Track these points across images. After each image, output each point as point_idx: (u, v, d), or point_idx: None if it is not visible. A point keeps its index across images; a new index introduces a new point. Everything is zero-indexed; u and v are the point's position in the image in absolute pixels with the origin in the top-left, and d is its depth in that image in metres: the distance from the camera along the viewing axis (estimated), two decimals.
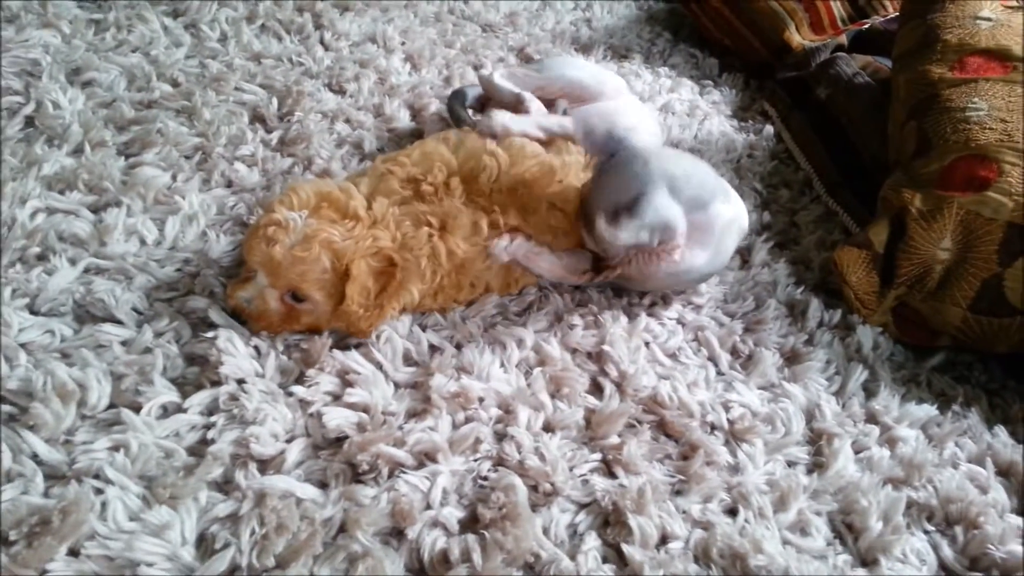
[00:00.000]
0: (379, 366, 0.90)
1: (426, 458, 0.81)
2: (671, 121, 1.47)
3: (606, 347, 0.96)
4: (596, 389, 0.93)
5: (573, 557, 0.74)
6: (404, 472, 0.79)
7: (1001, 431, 0.93)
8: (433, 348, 0.95)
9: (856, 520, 0.81)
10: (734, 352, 1.01)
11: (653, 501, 0.78)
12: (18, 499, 0.71)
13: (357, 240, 0.89)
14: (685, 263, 0.98)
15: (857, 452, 0.89)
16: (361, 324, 0.90)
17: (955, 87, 1.11)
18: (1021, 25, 1.15)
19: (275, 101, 1.35)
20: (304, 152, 1.25)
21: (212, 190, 1.15)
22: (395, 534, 0.75)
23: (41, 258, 0.98)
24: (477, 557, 0.71)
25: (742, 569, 0.74)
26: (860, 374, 0.98)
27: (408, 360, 0.93)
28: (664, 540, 0.77)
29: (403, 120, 1.38)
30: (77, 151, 1.17)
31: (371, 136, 1.31)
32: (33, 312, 0.92)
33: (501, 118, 1.06)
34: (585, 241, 1.02)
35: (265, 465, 0.79)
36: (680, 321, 1.05)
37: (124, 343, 0.89)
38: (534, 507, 0.78)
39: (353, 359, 0.89)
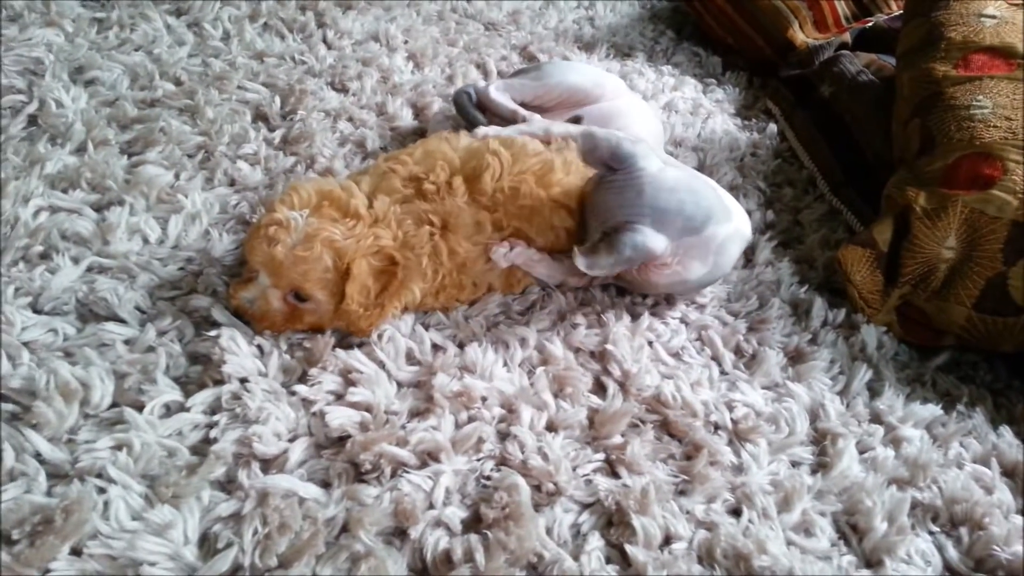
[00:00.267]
0: (382, 365, 0.90)
1: (429, 457, 0.81)
2: (674, 119, 1.47)
3: (609, 346, 0.96)
4: (599, 388, 0.93)
5: (576, 557, 0.73)
6: (407, 472, 0.79)
7: (1006, 431, 0.93)
8: (436, 347, 0.94)
9: (860, 520, 0.80)
10: (738, 351, 1.01)
11: (656, 501, 0.78)
12: (20, 498, 0.71)
13: (358, 239, 0.89)
14: (680, 275, 0.99)
15: (861, 452, 0.89)
16: (361, 323, 0.90)
17: (959, 85, 1.10)
18: None
19: (278, 100, 1.35)
20: (307, 151, 1.25)
21: (215, 189, 1.15)
22: (398, 534, 0.74)
23: (44, 257, 0.99)
24: (480, 557, 0.71)
25: (746, 570, 0.74)
26: (864, 374, 0.97)
27: (411, 359, 0.93)
28: (668, 540, 0.77)
29: (406, 119, 1.37)
30: (80, 150, 1.17)
31: (374, 135, 1.31)
32: (36, 311, 0.92)
33: (484, 132, 1.07)
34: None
35: (268, 464, 0.79)
36: (683, 320, 1.04)
37: (127, 342, 0.89)
38: (537, 507, 0.78)
39: (356, 358, 0.89)
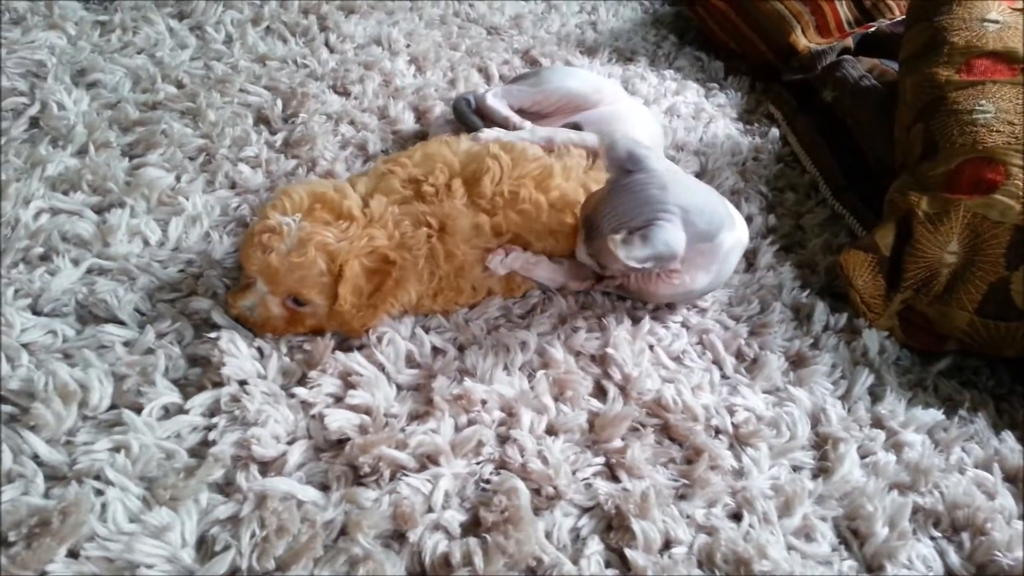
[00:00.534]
0: (381, 368, 0.90)
1: (428, 461, 0.81)
2: (676, 124, 1.47)
3: (610, 350, 0.95)
4: (600, 392, 0.92)
5: (576, 561, 0.73)
6: (406, 475, 0.78)
7: (1008, 436, 0.92)
8: (436, 350, 0.94)
9: (862, 526, 0.80)
10: (739, 356, 1.00)
11: (657, 505, 0.77)
12: (18, 500, 0.71)
13: (351, 240, 0.89)
14: (687, 286, 0.99)
15: (863, 457, 0.88)
16: (354, 323, 0.90)
17: (962, 89, 1.10)
18: None
19: (279, 103, 1.35)
20: (308, 154, 1.25)
21: (216, 191, 1.15)
22: (396, 537, 0.74)
23: (44, 258, 0.99)
24: (479, 561, 0.71)
25: (746, 574, 0.73)
26: (866, 378, 0.97)
27: (411, 362, 0.92)
28: (668, 545, 0.76)
29: (407, 122, 1.37)
30: (81, 152, 1.18)
31: (375, 138, 1.31)
32: (36, 312, 0.92)
33: (486, 136, 1.06)
34: (577, 252, 1.00)
35: (266, 467, 0.78)
36: (684, 324, 1.04)
37: (126, 344, 0.89)
38: (536, 511, 0.77)
39: (355, 361, 0.89)
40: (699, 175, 1.34)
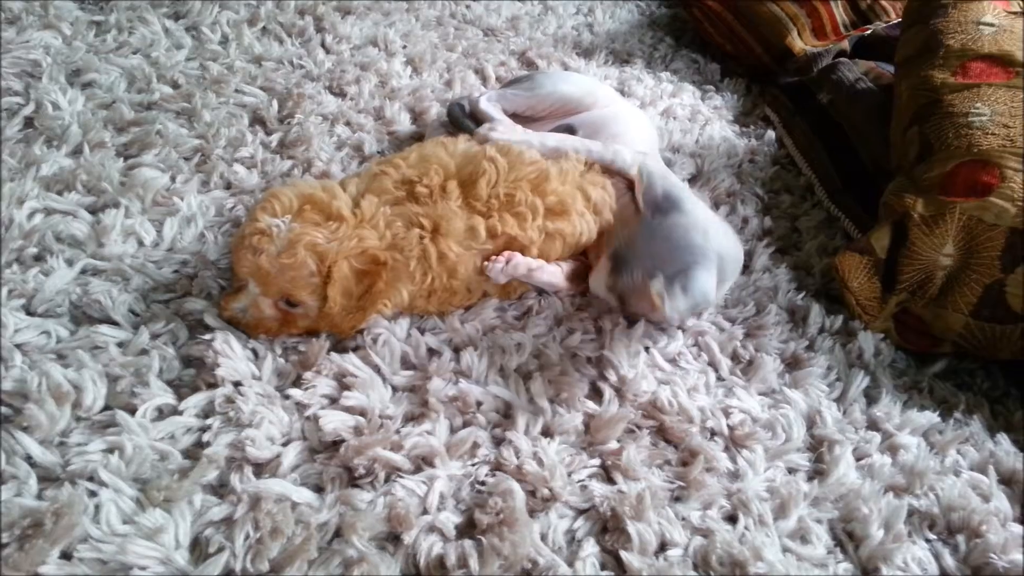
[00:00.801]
0: (377, 369, 0.90)
1: (423, 462, 0.80)
2: (672, 126, 1.47)
3: (606, 352, 0.95)
4: (595, 394, 0.92)
5: (571, 563, 0.73)
6: (401, 476, 0.78)
7: (1003, 439, 0.93)
8: (431, 352, 0.94)
9: (857, 528, 0.80)
10: (734, 357, 1.00)
11: (652, 507, 0.77)
12: (11, 501, 0.70)
13: (341, 241, 0.88)
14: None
15: (858, 459, 0.89)
16: (344, 325, 0.90)
17: (958, 92, 1.10)
18: (1023, 31, 1.14)
19: (275, 103, 1.35)
20: (304, 154, 1.24)
21: (211, 192, 1.15)
22: (391, 539, 0.74)
23: (38, 259, 0.98)
24: (474, 563, 0.71)
25: None
26: (861, 380, 0.97)
27: (406, 363, 0.92)
28: (663, 547, 0.76)
29: (403, 123, 1.37)
30: (76, 152, 1.17)
31: (371, 139, 1.31)
32: (29, 313, 0.91)
33: (484, 133, 1.05)
34: (594, 283, 0.99)
35: (261, 468, 0.78)
36: (680, 326, 1.04)
37: (120, 345, 0.88)
38: (532, 513, 0.77)
39: (351, 362, 0.89)
40: (695, 177, 1.34)
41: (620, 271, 0.89)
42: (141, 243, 1.04)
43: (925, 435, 0.93)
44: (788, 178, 1.39)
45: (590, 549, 0.75)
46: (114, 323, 0.91)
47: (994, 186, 0.99)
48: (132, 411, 0.80)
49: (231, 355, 0.87)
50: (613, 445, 0.85)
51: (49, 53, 1.36)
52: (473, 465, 0.82)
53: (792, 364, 1.01)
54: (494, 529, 0.73)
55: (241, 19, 1.60)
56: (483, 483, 0.80)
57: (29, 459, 0.75)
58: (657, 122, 1.47)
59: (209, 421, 0.81)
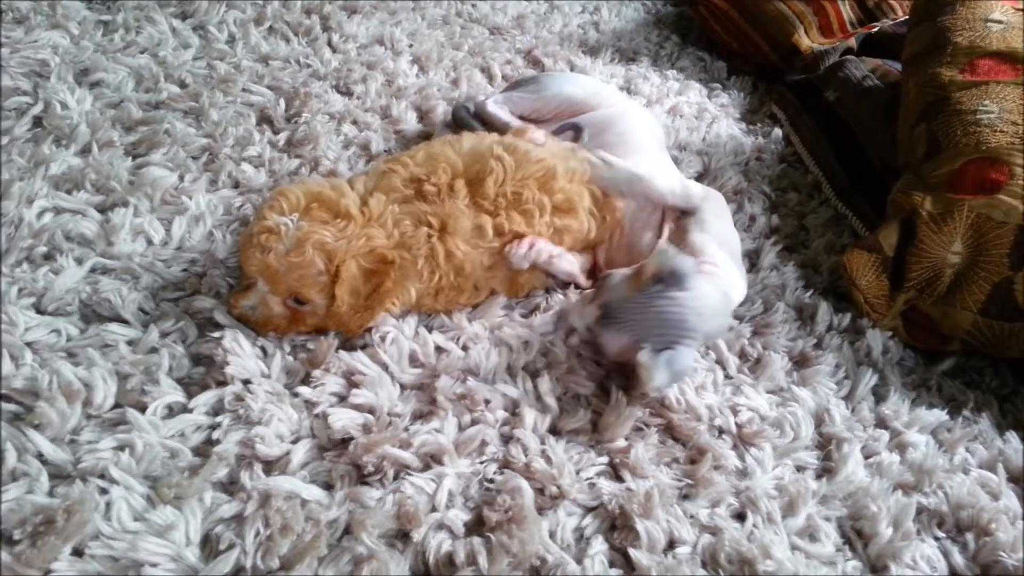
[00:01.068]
0: (385, 367, 0.90)
1: (432, 460, 0.81)
2: (679, 124, 1.47)
3: None
4: (603, 392, 0.92)
5: (579, 561, 0.73)
6: (410, 474, 0.78)
7: (1012, 437, 0.92)
8: (439, 349, 0.94)
9: (866, 526, 0.80)
10: (742, 355, 1.00)
11: (660, 505, 0.77)
12: (22, 498, 0.71)
13: (349, 239, 0.88)
14: None
15: (867, 457, 0.88)
16: (351, 324, 0.90)
17: (965, 90, 1.10)
18: None
19: (282, 102, 1.35)
20: (311, 153, 1.25)
21: (219, 191, 1.15)
22: (400, 536, 0.74)
23: (48, 257, 0.99)
24: (483, 560, 0.71)
25: (750, 574, 0.73)
26: (870, 378, 0.97)
27: (414, 361, 0.92)
28: (671, 545, 0.76)
29: (410, 122, 1.37)
30: (84, 151, 1.18)
31: (378, 137, 1.31)
32: (39, 311, 0.91)
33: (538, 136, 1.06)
34: (574, 317, 0.96)
35: (270, 466, 0.79)
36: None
37: (130, 343, 0.89)
38: (540, 510, 0.77)
39: (359, 360, 0.89)
40: (702, 175, 1.34)
41: (608, 326, 0.88)
42: (150, 242, 1.04)
43: (934, 433, 0.92)
44: (795, 176, 1.39)
45: (598, 547, 0.75)
46: (124, 321, 0.91)
47: (1003, 183, 0.99)
48: (142, 409, 0.81)
49: (240, 353, 0.87)
50: (621, 443, 0.85)
51: (57, 53, 1.37)
52: (482, 463, 0.82)
53: (800, 362, 1.00)
54: (503, 527, 0.73)
55: (248, 18, 1.60)
56: (492, 481, 0.80)
57: (40, 456, 0.75)
58: (664, 120, 1.46)
59: (219, 419, 0.81)
